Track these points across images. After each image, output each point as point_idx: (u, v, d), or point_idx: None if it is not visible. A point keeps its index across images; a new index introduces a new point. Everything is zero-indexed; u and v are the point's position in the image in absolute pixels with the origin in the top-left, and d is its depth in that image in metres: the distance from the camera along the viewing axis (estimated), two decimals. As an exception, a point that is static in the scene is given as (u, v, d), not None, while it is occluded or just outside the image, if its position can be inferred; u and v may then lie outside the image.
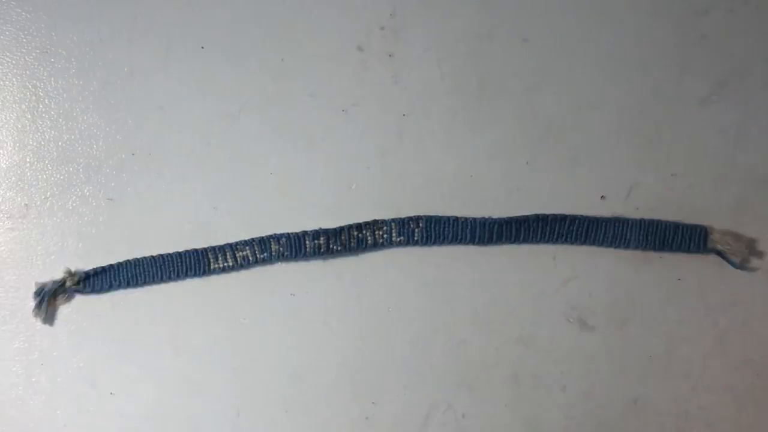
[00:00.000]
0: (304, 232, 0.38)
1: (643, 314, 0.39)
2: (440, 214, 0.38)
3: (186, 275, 0.38)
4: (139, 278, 0.38)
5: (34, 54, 0.40)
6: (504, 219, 0.38)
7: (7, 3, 0.40)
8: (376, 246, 0.38)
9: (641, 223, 0.37)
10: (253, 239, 0.38)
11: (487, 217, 0.38)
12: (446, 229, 0.38)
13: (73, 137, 0.39)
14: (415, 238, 0.38)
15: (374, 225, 0.38)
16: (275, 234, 0.38)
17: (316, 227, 0.39)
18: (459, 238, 0.38)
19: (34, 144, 0.39)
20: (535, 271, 0.39)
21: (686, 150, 0.38)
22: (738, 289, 0.38)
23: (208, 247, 0.38)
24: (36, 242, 0.39)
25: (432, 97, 0.39)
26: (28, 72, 0.40)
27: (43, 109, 0.39)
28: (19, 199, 0.39)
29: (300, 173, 0.39)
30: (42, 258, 0.39)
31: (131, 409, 0.39)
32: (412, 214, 0.39)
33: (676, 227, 0.38)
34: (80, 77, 0.39)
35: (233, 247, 0.38)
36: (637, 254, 0.39)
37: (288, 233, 0.38)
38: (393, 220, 0.38)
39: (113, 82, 0.39)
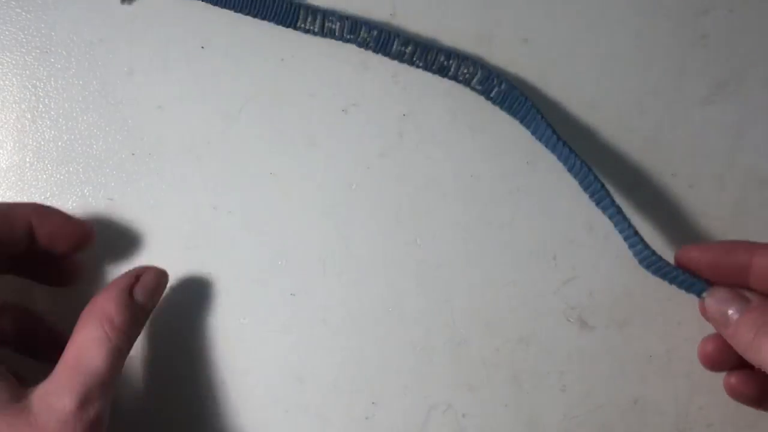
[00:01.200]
0: (396, 34, 0.37)
1: (643, 314, 0.39)
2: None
3: (272, 19, 0.38)
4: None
5: (33, 54, 0.40)
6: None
7: (6, 3, 0.40)
8: (454, 79, 0.38)
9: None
10: (347, 16, 0.38)
11: None
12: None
13: (72, 137, 0.39)
14: (492, 96, 0.38)
15: (461, 60, 0.38)
16: (370, 22, 0.38)
17: (316, 228, 0.39)
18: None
19: (34, 144, 0.39)
20: (535, 271, 0.39)
21: (686, 150, 0.38)
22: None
23: (302, 3, 0.38)
24: (36, 242, 0.39)
25: (432, 97, 0.39)
26: (27, 72, 0.39)
27: (43, 109, 0.39)
28: (18, 199, 0.39)
29: (300, 173, 0.39)
30: (42, 258, 0.39)
31: (129, 406, 0.39)
32: (411, 214, 0.39)
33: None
34: (80, 77, 0.39)
35: (324, 14, 0.38)
36: (637, 254, 0.39)
37: (381, 27, 0.38)
38: (482, 66, 0.38)
39: (113, 82, 0.39)
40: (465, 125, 0.39)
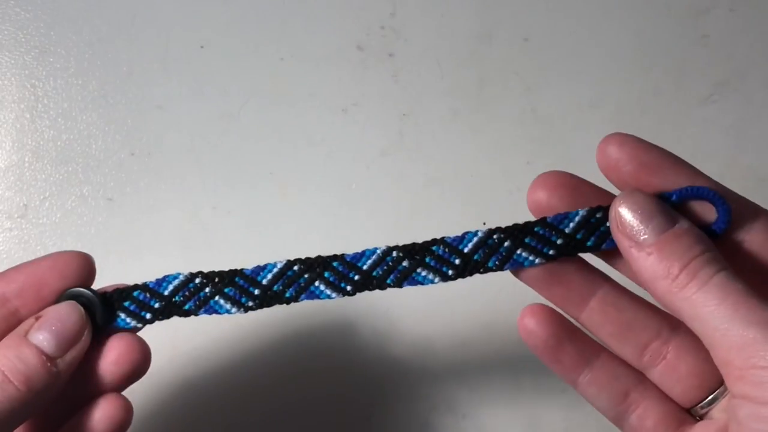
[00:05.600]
0: None
1: (643, 314, 0.39)
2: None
3: None
4: None
5: (32, 53, 0.39)
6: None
7: (5, 2, 0.40)
8: None
9: None
10: None
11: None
12: None
13: (71, 137, 0.39)
14: None
15: None
16: None
17: (316, 227, 0.39)
18: None
19: (33, 144, 0.39)
20: (535, 271, 0.39)
21: (686, 150, 0.38)
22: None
23: None
24: (35, 242, 0.39)
25: (432, 97, 0.39)
26: (26, 71, 0.39)
27: (42, 109, 0.39)
28: (17, 199, 0.39)
29: (300, 173, 0.39)
30: (41, 258, 0.39)
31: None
32: (411, 214, 0.39)
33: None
34: (79, 76, 0.39)
35: None
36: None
37: None
38: None
39: (112, 81, 0.39)
40: (465, 125, 0.39)
